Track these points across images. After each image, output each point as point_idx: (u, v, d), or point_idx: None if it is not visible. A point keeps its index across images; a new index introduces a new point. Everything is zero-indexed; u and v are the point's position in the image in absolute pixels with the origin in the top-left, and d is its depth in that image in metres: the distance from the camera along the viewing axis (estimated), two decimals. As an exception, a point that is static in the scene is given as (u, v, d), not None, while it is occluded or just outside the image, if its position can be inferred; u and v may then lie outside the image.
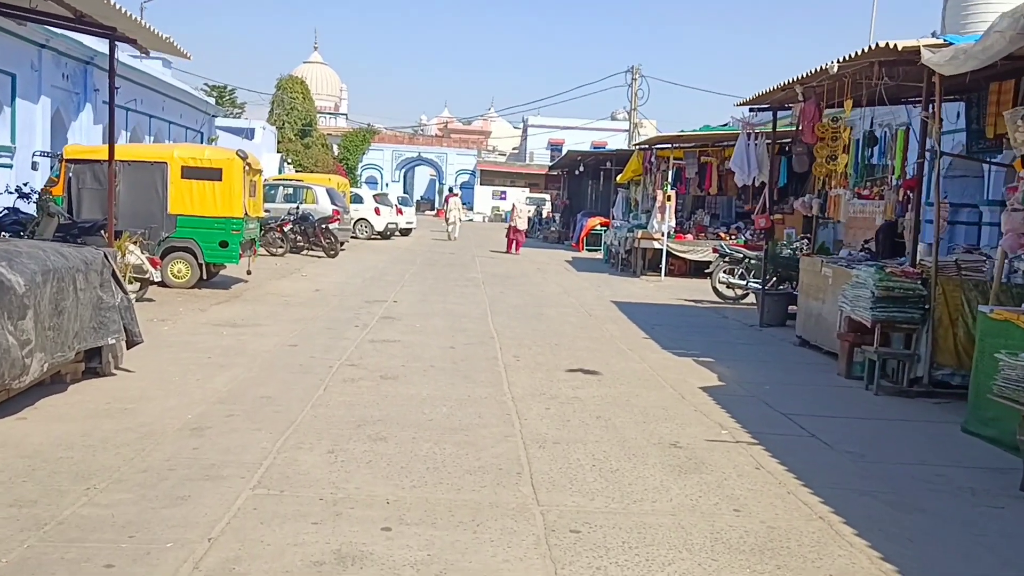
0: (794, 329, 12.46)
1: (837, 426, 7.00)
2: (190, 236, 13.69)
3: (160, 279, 11.91)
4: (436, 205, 65.73)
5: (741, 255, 15.87)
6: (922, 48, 7.61)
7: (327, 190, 24.69)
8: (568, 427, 6.42)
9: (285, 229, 21.42)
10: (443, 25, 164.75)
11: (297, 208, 22.63)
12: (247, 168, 13.91)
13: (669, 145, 22.00)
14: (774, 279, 14.49)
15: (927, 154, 8.49)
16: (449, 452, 5.60)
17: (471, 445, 5.79)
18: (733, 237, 20.94)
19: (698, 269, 21.34)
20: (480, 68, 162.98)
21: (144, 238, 12.19)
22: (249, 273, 14.95)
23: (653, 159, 22.21)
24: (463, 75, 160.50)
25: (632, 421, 6.69)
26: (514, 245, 27.75)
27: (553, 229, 38.56)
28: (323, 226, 21.92)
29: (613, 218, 28.36)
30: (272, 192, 24.84)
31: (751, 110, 12.90)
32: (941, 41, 7.85)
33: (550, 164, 53.68)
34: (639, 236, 20.94)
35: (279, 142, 49.79)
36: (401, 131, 71.61)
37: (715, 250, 16.31)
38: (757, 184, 14.14)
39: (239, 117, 53.18)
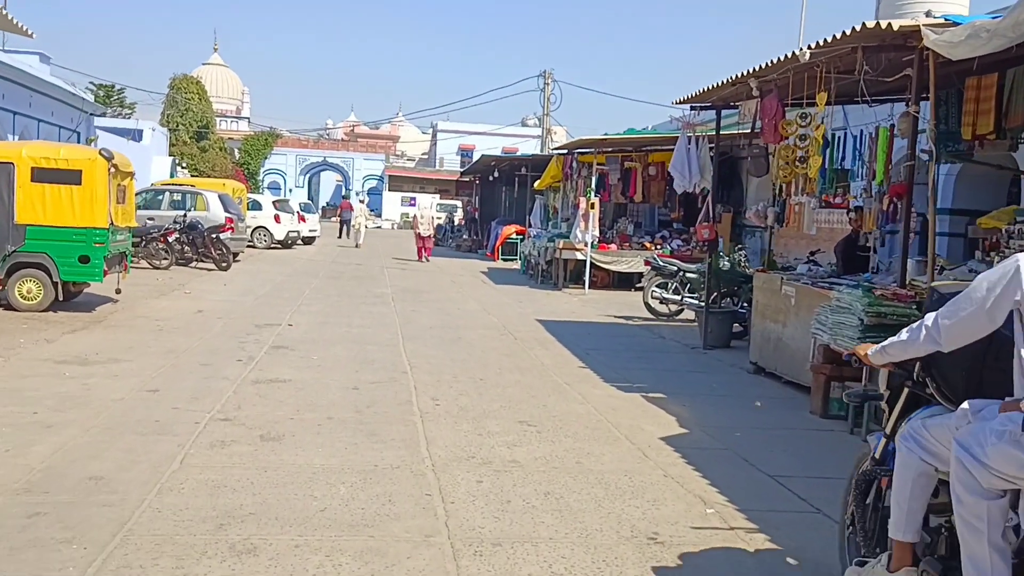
0: (740, 351, 11.23)
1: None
2: (42, 250, 11.56)
3: (3, 301, 9.76)
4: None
5: (675, 268, 14.60)
6: (923, 28, 6.33)
7: (219, 196, 22.47)
8: (510, 513, 4.81)
9: (170, 239, 19.19)
10: (349, 28, 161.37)
11: (184, 216, 20.39)
12: (113, 170, 11.84)
13: (591, 150, 20.72)
14: (714, 295, 13.22)
15: (920, 156, 7.24)
16: (347, 571, 3.93)
17: (379, 555, 4.12)
18: (659, 247, 19.77)
19: (622, 281, 20.13)
20: (388, 71, 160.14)
21: (-24, 254, 10.07)
22: (118, 292, 12.84)
23: (574, 164, 20.85)
24: (370, 79, 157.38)
25: (591, 498, 5.13)
26: (423, 252, 27.07)
27: (465, 237, 37.00)
28: (213, 235, 19.76)
29: (530, 226, 26.99)
30: (158, 198, 22.61)
31: (692, 108, 11.58)
32: (941, 20, 6.60)
33: (461, 170, 52.13)
34: (560, 246, 19.54)
35: (172, 145, 46.74)
36: (306, 135, 68.88)
37: (647, 263, 15.00)
38: (697, 191, 12.85)
39: (128, 118, 49.89)
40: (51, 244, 11.54)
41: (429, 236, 27.75)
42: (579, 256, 19.33)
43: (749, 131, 10.10)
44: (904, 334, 3.17)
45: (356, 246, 32.63)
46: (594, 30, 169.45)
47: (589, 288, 18.61)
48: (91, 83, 52.81)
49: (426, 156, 75.01)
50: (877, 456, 3.55)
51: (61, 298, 11.73)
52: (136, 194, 22.70)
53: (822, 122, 8.77)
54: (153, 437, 5.94)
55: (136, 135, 35.98)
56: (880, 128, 8.66)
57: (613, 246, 19.68)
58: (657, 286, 14.75)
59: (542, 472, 5.61)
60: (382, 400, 7.46)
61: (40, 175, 11.51)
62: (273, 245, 29.42)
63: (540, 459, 5.91)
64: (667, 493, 5.32)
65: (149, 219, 20.71)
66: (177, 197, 22.68)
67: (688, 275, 14.39)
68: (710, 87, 10.82)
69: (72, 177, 11.59)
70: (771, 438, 6.97)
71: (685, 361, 10.77)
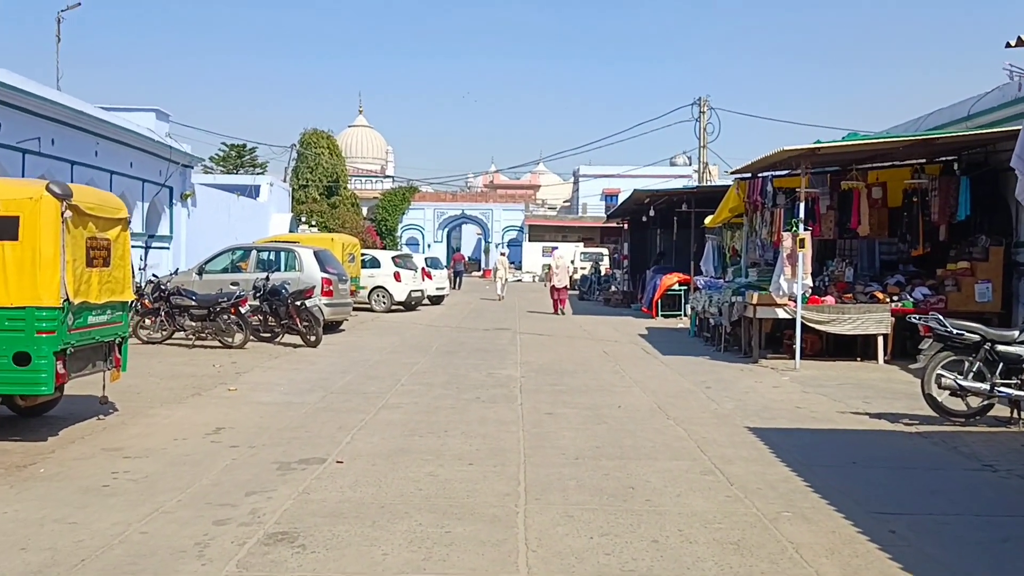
0: None
1: None
2: (-42, 345, 7.30)
3: None
4: (483, 265, 59.85)
5: (978, 336, 8.85)
6: None
7: (316, 253, 18.27)
8: None
9: (242, 309, 14.97)
10: (489, 78, 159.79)
11: (266, 279, 16.22)
12: (70, 215, 7.48)
13: (787, 172, 15.24)
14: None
15: None
16: None
17: None
18: (896, 298, 13.97)
19: (839, 345, 14.47)
20: (528, 120, 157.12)
21: None
22: (104, 402, 8.45)
23: (767, 189, 15.30)
24: (510, 129, 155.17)
25: None
26: (558, 305, 25.47)
27: (614, 289, 31.74)
28: (297, 303, 15.45)
29: (699, 274, 21.52)
30: (246, 259, 18.75)
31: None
32: None
33: (606, 215, 47.13)
34: (754, 301, 14.03)
35: (302, 202, 44.28)
36: (448, 190, 65.87)
37: (927, 328, 9.25)
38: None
39: (260, 175, 48.02)
40: (-30, 335, 7.27)
41: (564, 287, 25.93)
42: (781, 314, 13.81)
43: None
44: None
45: (499, 299, 31.38)
46: (757, 47, 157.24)
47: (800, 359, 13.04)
48: (223, 144, 51.78)
49: (568, 203, 70.74)
50: None
51: (-11, 421, 7.40)
52: (217, 255, 19.15)
53: None
54: None
55: (253, 191, 33.15)
56: None
57: (829, 298, 13.99)
58: (945, 366, 9.01)
59: None
60: None
61: (-44, 227, 7.30)
62: (394, 307, 25.32)
63: None
64: None
65: (233, 284, 16.84)
66: (270, 256, 18.76)
67: (1002, 348, 8.64)
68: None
69: (5, 228, 7.31)
70: None
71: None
